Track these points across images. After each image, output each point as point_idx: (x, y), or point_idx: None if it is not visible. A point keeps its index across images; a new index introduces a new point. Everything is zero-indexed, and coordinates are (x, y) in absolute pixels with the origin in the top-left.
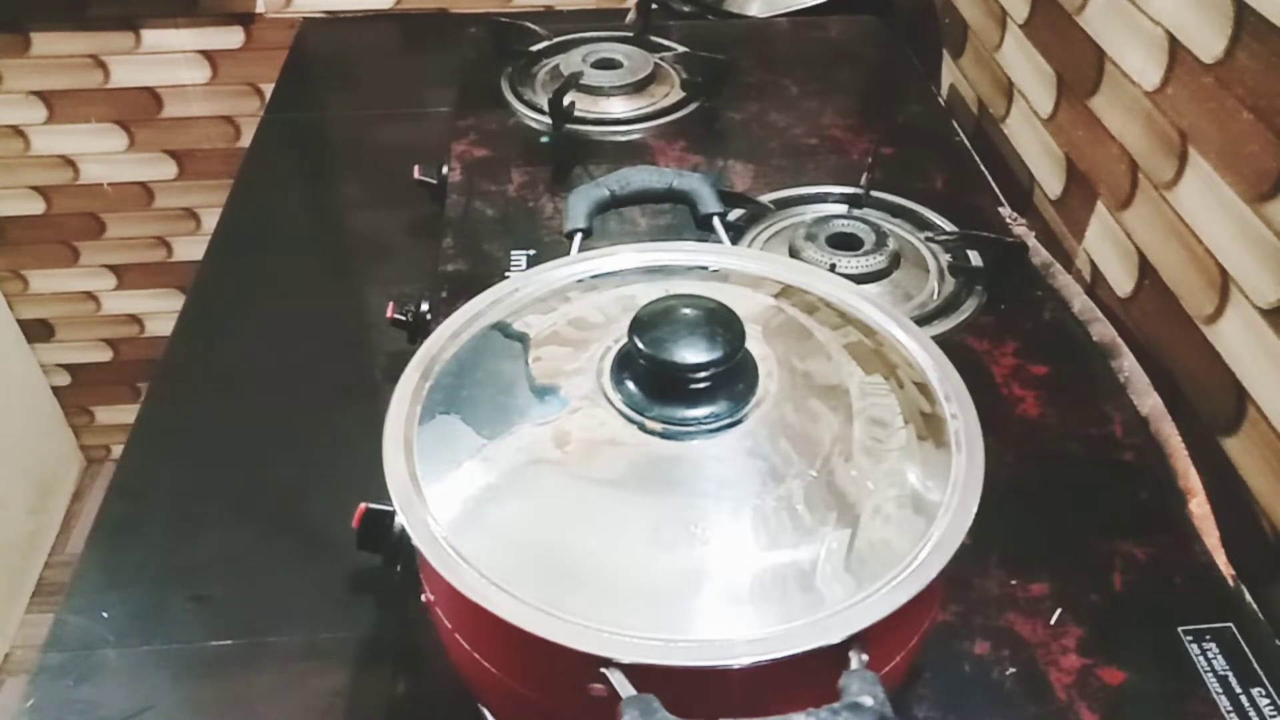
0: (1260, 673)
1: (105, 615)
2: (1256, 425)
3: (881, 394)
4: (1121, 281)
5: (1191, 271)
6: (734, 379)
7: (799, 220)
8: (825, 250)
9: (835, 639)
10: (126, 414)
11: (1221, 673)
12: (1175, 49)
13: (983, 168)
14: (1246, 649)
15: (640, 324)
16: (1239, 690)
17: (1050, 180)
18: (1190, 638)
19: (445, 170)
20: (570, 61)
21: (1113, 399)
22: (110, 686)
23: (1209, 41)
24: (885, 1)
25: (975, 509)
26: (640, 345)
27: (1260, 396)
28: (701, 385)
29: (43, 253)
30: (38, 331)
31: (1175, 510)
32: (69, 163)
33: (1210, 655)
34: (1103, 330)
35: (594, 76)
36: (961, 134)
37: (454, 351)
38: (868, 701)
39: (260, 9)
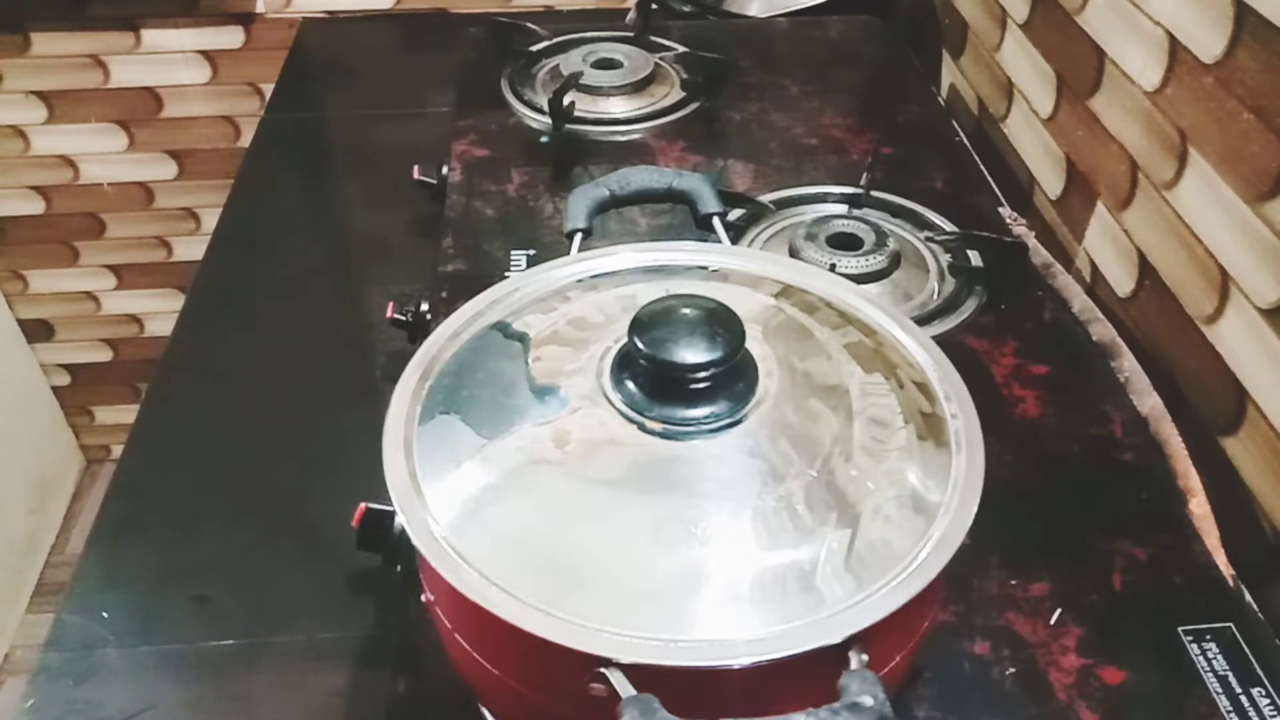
0: (1260, 673)
1: (105, 615)
2: (1256, 425)
3: (881, 394)
4: (1121, 281)
5: (1191, 271)
6: (734, 379)
7: (799, 220)
8: (825, 250)
9: (835, 639)
10: (126, 414)
11: (1221, 673)
12: (1175, 49)
13: (983, 168)
14: (1246, 649)
15: (640, 324)
16: (1239, 690)
17: (1050, 180)
18: (1190, 638)
19: (445, 170)
20: (570, 61)
21: (1113, 399)
22: (110, 686)
23: (1209, 41)
24: (885, 1)
25: (975, 509)
26: (640, 345)
27: (1260, 396)
28: (701, 385)
29: (43, 253)
30: (38, 331)
31: (1175, 510)
32: (69, 163)
33: (1210, 655)
34: (1103, 330)
35: (594, 76)
36: (961, 134)
37: (454, 351)
38: (868, 701)
39: (260, 9)
